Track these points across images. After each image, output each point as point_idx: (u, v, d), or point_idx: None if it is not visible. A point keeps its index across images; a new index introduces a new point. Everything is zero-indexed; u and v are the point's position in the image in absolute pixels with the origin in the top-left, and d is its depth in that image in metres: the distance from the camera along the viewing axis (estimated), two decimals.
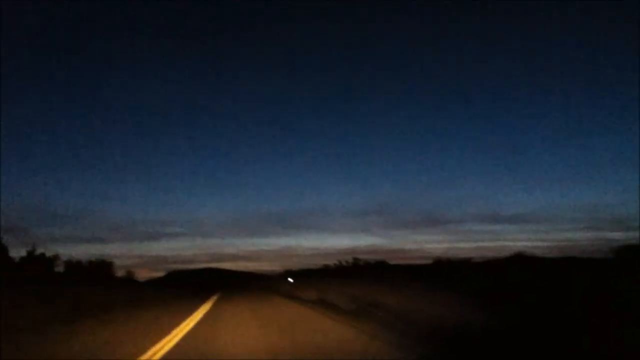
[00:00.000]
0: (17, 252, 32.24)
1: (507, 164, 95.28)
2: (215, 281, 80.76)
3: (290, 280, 56.23)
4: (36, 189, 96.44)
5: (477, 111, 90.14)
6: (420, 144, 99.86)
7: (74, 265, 34.71)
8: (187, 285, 63.94)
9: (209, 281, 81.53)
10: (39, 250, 34.21)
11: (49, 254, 34.43)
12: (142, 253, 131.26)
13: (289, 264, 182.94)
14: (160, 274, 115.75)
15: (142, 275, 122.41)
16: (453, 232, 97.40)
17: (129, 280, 50.46)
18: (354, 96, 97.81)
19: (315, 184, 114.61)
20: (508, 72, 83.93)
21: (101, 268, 40.10)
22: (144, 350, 7.86)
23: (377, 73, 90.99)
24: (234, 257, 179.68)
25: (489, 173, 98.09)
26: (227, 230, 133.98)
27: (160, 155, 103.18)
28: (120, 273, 52.57)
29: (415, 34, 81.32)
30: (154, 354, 7.62)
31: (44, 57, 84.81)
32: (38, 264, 28.40)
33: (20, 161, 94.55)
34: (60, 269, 32.12)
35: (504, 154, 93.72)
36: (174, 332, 10.50)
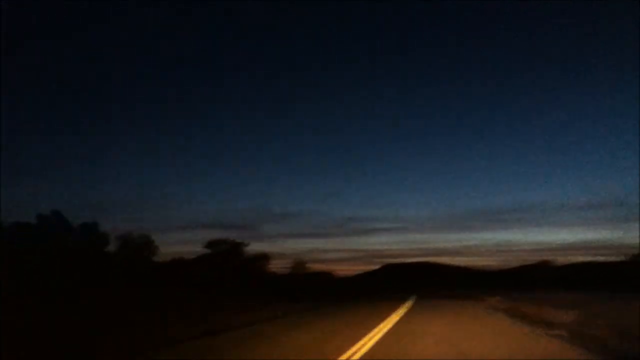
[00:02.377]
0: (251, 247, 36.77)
1: None
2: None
3: None
4: (264, 193, 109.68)
5: None
6: None
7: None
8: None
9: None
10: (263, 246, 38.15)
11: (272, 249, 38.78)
12: (357, 247, 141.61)
13: (502, 259, 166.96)
14: (375, 267, 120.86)
15: (355, 268, 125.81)
16: None
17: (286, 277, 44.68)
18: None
19: (532, 177, 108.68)
20: None
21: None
22: None
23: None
24: (445, 252, 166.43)
25: None
26: (438, 225, 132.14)
27: (372, 156, 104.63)
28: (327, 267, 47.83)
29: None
30: None
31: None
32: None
33: (252, 169, 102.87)
34: None
35: None
36: None
